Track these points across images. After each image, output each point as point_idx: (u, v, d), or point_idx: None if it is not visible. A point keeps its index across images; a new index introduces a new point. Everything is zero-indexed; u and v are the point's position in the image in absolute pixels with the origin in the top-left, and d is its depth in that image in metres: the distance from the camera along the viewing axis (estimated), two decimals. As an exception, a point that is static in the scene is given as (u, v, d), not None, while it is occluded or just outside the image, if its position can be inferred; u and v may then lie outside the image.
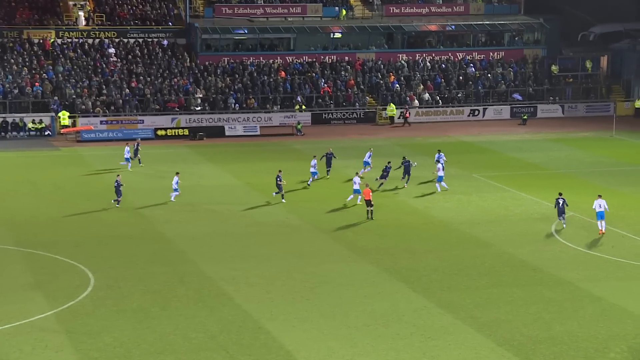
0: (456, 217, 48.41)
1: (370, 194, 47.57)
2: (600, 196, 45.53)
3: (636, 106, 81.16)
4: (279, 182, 50.86)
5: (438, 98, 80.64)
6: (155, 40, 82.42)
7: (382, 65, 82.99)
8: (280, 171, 51.56)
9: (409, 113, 77.14)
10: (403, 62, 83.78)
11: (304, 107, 77.35)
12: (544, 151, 66.17)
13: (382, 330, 33.05)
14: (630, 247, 43.31)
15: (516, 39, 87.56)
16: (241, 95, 77.44)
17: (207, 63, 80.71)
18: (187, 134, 71.63)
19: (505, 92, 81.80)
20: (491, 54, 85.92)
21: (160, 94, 76.24)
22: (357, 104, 78.70)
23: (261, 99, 77.93)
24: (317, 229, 46.31)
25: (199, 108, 76.01)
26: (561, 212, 46.07)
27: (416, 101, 79.56)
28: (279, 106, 77.84)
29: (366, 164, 56.87)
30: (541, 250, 42.79)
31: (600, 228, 45.20)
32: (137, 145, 60.91)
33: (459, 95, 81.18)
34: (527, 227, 46.78)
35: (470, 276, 39.15)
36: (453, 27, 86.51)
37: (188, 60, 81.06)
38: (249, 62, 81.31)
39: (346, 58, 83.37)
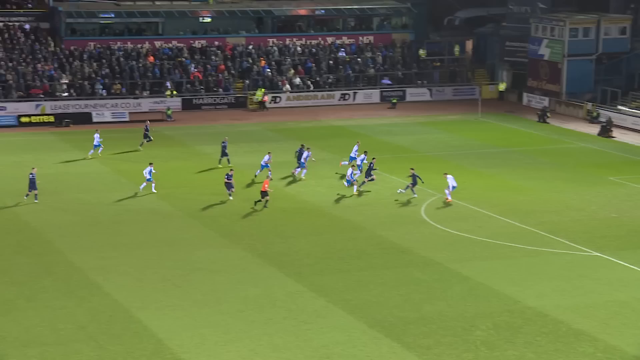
0: (328, 201, 48.70)
1: (267, 185, 47.00)
2: (446, 174, 48.70)
3: (500, 89, 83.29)
4: (227, 181, 48.18)
5: (309, 82, 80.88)
6: (17, 24, 79.69)
7: (252, 50, 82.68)
8: (231, 170, 49.49)
9: (267, 97, 76.94)
10: (274, 46, 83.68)
11: (174, 92, 76.35)
12: (413, 134, 67.24)
13: (256, 315, 33.02)
14: (496, 227, 44.49)
15: (385, 23, 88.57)
16: (109, 81, 75.85)
17: (72, 48, 78.62)
18: (53, 120, 69.69)
19: (375, 77, 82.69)
20: (360, 38, 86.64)
21: (24, 80, 73.92)
22: (220, 89, 78.11)
23: (129, 85, 76.53)
24: (189, 216, 45.85)
25: (65, 94, 74.05)
26: (414, 185, 48.76)
27: (287, 86, 79.59)
28: (148, 92, 76.60)
29: (352, 158, 53.50)
30: (411, 232, 43.51)
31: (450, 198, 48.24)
32: (147, 127, 61.03)
33: (330, 79, 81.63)
34: (398, 209, 47.48)
35: (342, 259, 39.49)
36: (323, 11, 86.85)
37: (52, 45, 78.79)
38: (116, 47, 79.60)
39: (216, 43, 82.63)
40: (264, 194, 46.81)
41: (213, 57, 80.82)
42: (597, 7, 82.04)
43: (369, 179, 50.71)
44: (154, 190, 49.48)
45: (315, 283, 36.37)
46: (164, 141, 63.58)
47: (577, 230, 43.85)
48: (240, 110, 76.37)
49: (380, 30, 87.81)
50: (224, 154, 55.79)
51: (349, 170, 50.09)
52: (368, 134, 66.79)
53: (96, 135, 58.34)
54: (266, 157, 52.55)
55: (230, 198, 48.19)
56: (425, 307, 34.00)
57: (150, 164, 50.12)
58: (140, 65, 78.09)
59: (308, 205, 48.02)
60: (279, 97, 78.52)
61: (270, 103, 77.50)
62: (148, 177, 49.40)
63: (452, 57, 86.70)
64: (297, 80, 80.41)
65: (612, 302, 34.64)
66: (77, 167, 56.08)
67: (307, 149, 54.12)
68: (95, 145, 58.05)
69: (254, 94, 77.46)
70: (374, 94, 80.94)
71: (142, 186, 49.56)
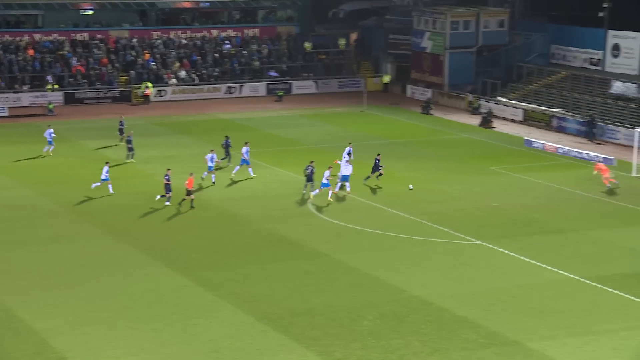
0: (215, 195, 48.48)
1: (192, 183, 45.72)
2: (331, 166, 48.14)
3: (384, 81, 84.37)
4: (167, 183, 45.81)
5: (195, 76, 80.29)
6: None
7: (136, 43, 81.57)
8: (169, 170, 46.80)
9: (150, 91, 76.03)
10: (158, 39, 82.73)
11: (56, 86, 74.73)
12: (300, 127, 67.52)
13: (142, 311, 32.68)
14: (381, 218, 45.09)
15: (270, 16, 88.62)
16: (-13, 75, 73.75)
17: (-53, 41, 76.19)
18: None
19: (261, 69, 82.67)
20: (246, 31, 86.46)
21: None
22: (99, 82, 76.85)
23: (9, 79, 74.50)
24: (73, 212, 45.00)
25: (-60, 88, 71.72)
26: (309, 179, 47.79)
27: (174, 79, 78.84)
28: (28, 86, 74.74)
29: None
30: (299, 224, 43.72)
31: (348, 190, 48.38)
32: (122, 122, 59.48)
33: (216, 72, 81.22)
34: (285, 202, 47.60)
35: (229, 253, 39.43)
36: (208, 4, 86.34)
37: None
38: (-6, 40, 77.50)
39: (98, 36, 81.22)
40: (189, 192, 45.55)
41: (95, 50, 79.44)
42: (477, 1, 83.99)
43: (377, 174, 50.26)
44: (112, 191, 47.60)
45: (203, 277, 36.21)
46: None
47: (460, 219, 44.82)
48: (125, 104, 75.29)
49: (265, 23, 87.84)
50: (130, 149, 54.83)
51: (327, 172, 47.19)
52: (255, 127, 66.76)
53: (49, 131, 56.22)
54: (209, 156, 50.61)
55: (167, 203, 45.83)
56: (313, 299, 34.23)
57: (107, 163, 48.40)
58: (20, 58, 76.17)
59: (195, 199, 47.63)
60: (164, 90, 77.72)
61: (155, 96, 76.63)
62: (104, 177, 47.45)
63: (337, 50, 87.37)
64: (183, 74, 79.75)
65: (493, 289, 35.57)
66: (-46, 164, 54.40)
67: (246, 143, 52.12)
68: (49, 142, 56.10)
69: (139, 88, 76.46)
70: (260, 87, 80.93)
71: (95, 185, 47.67)
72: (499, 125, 69.20)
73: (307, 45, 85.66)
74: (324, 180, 46.93)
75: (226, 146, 54.14)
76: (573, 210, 46.83)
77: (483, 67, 79.54)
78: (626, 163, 55.97)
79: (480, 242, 41.29)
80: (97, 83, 76.89)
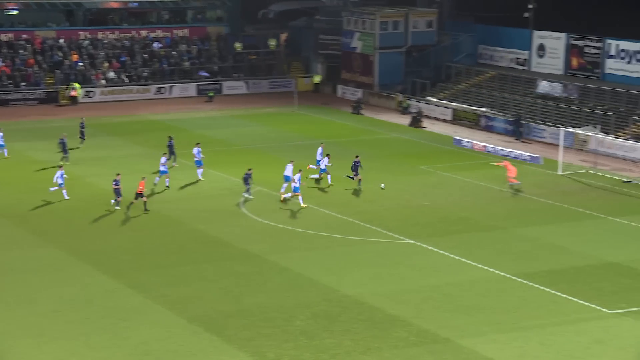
0: (147, 197, 47.99)
1: (143, 185, 44.84)
2: (301, 170, 48.05)
3: (315, 82, 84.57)
4: (115, 187, 44.90)
5: (124, 76, 79.49)
6: None
7: (64, 44, 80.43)
8: (118, 175, 45.77)
9: (76, 92, 75.11)
10: (86, 40, 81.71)
11: (-20, 87, 73.43)
12: (231, 127, 67.33)
13: (72, 315, 32.31)
14: (313, 217, 45.20)
15: (199, 16, 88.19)
16: None
17: None
18: None
19: (191, 70, 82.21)
20: (175, 31, 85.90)
21: None
22: (24, 84, 75.67)
23: None
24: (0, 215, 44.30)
25: None
26: (247, 184, 47.63)
27: (103, 80, 77.94)
28: (-48, 87, 73.35)
29: (318, 162, 51.89)
30: (230, 225, 43.62)
31: (282, 191, 47.94)
32: (82, 123, 59.18)
33: (145, 73, 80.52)
34: (216, 203, 47.46)
35: (161, 255, 39.18)
36: (136, 4, 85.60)
37: None
38: None
39: (24, 36, 79.91)
40: (138, 195, 44.71)
41: (21, 51, 78.15)
42: (405, 1, 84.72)
43: (357, 177, 50.02)
44: (67, 197, 46.43)
45: (134, 279, 35.90)
46: (-30, 138, 61.01)
47: (391, 218, 45.17)
48: (52, 105, 74.22)
49: (194, 23, 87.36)
50: (65, 151, 54.03)
51: (297, 176, 46.70)
52: (185, 128, 66.36)
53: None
54: (163, 160, 49.86)
55: (117, 208, 45.09)
56: (245, 299, 34.20)
57: (60, 166, 47.41)
58: (-57, 59, 74.64)
59: (124, 200, 47.14)
60: (93, 91, 76.80)
61: (83, 97, 75.67)
62: (60, 181, 46.22)
63: (267, 50, 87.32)
64: (112, 74, 78.89)
65: (425, 287, 35.92)
66: None
67: (197, 144, 51.92)
68: (1, 145, 54.97)
69: (66, 89, 75.43)
70: (191, 88, 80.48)
71: (53, 189, 46.48)
72: (428, 125, 69.87)
73: (238, 45, 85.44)
74: (295, 184, 46.63)
75: (170, 146, 53.87)
76: (501, 209, 47.52)
77: (412, 67, 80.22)
78: (552, 161, 56.97)
79: (411, 241, 41.66)
80: (23, 84, 75.66)
